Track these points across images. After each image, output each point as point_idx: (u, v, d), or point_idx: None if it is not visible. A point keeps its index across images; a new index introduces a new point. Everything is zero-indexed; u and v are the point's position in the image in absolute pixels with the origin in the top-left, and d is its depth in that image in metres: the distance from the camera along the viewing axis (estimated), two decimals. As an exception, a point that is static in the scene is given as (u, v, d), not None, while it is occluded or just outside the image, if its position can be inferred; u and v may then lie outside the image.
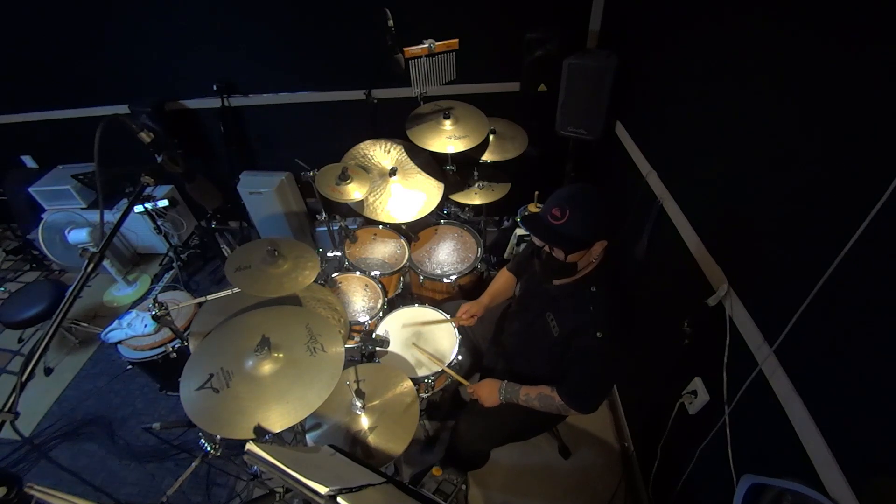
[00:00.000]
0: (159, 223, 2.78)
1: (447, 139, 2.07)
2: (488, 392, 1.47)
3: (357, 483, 0.91)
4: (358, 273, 2.08)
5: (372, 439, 1.35)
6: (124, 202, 2.96)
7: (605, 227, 1.18)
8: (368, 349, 1.62)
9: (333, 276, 2.08)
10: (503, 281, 1.71)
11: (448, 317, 1.80)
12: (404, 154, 2.27)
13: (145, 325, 1.97)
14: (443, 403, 2.10)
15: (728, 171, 1.20)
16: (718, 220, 1.25)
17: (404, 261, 2.14)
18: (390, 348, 1.72)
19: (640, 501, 1.80)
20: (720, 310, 1.17)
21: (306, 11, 2.32)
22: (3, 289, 2.90)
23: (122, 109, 2.69)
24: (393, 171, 2.15)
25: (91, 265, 0.98)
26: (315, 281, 1.65)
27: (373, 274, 2.06)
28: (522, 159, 2.23)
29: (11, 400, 0.84)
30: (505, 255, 2.52)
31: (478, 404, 1.52)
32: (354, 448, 1.33)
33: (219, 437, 1.42)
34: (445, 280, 2.09)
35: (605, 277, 1.28)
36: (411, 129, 2.12)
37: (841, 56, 0.83)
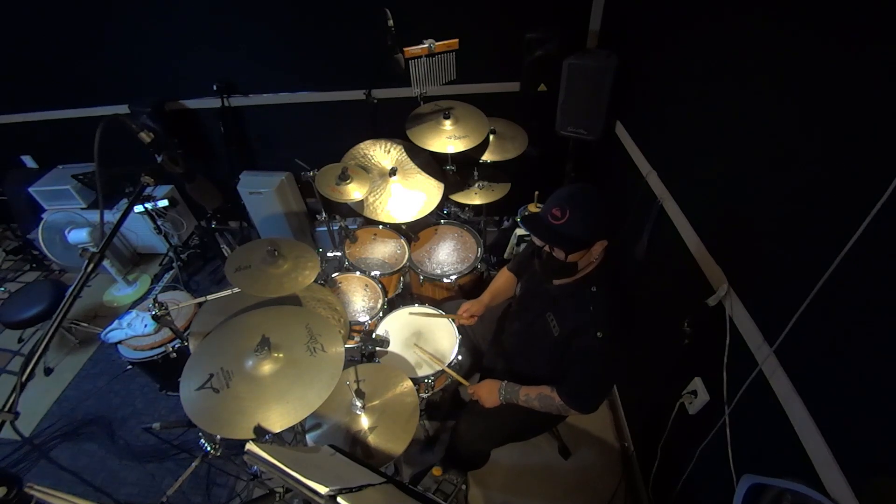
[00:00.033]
0: (159, 223, 2.78)
1: (447, 139, 2.07)
2: (488, 392, 1.47)
3: (357, 483, 0.91)
4: (358, 273, 2.08)
5: (372, 439, 1.35)
6: (124, 202, 2.96)
7: (605, 227, 1.18)
8: (368, 349, 1.62)
9: (333, 276, 2.08)
10: (503, 280, 1.71)
11: (453, 326, 1.79)
12: (404, 154, 2.27)
13: (145, 325, 1.97)
14: (443, 403, 2.10)
15: (728, 171, 1.20)
16: (718, 220, 1.25)
17: (404, 261, 2.14)
18: (390, 348, 1.72)
19: (640, 501, 1.80)
20: (720, 310, 1.17)
21: (306, 11, 2.32)
22: (3, 289, 2.89)
23: (122, 109, 2.69)
24: (393, 171, 2.15)
25: (91, 265, 0.98)
26: (315, 281, 1.65)
27: (373, 274, 2.06)
28: (522, 159, 2.23)
29: (11, 400, 0.84)
30: (505, 255, 2.52)
31: (478, 404, 1.51)
32: (354, 448, 1.33)
33: (219, 437, 1.42)
34: (445, 280, 2.09)
35: (606, 277, 1.28)
36: (411, 129, 2.12)
37: (841, 56, 0.83)
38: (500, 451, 1.77)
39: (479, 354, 1.82)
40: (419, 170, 2.23)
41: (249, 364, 1.20)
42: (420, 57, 2.08)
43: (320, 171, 1.97)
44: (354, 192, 1.95)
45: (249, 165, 2.98)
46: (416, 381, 1.60)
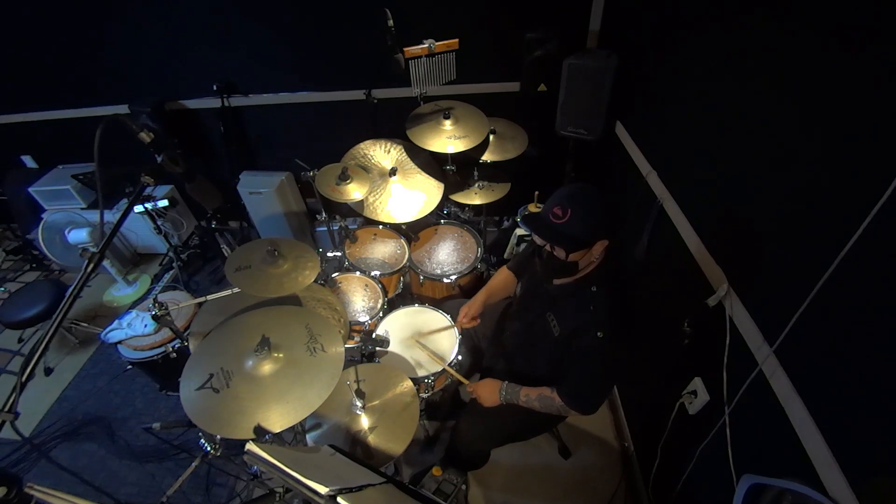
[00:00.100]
0: (159, 223, 2.78)
1: (447, 139, 2.07)
2: (489, 392, 1.47)
3: (357, 483, 0.91)
4: (358, 273, 2.08)
5: (372, 439, 1.35)
6: (124, 202, 2.96)
7: (605, 227, 1.18)
8: (368, 349, 1.62)
9: (333, 276, 2.08)
10: (502, 279, 1.71)
11: (450, 320, 1.80)
12: (404, 154, 2.27)
13: (145, 325, 1.97)
14: (443, 403, 2.10)
15: (728, 171, 1.20)
16: (718, 220, 1.25)
17: (404, 261, 2.14)
18: (390, 348, 1.72)
19: (640, 501, 1.80)
20: (720, 310, 1.17)
21: (306, 11, 2.32)
22: (3, 289, 2.89)
23: (122, 109, 2.69)
24: (393, 171, 2.15)
25: (91, 265, 0.98)
26: (315, 281, 1.65)
27: (373, 274, 2.06)
28: (522, 159, 2.23)
29: (11, 400, 0.84)
30: (505, 255, 2.52)
31: (478, 404, 1.51)
32: (354, 448, 1.33)
33: (219, 437, 1.42)
34: (445, 280, 2.09)
35: (606, 277, 1.28)
36: (411, 129, 2.12)
37: (841, 56, 0.83)
38: (500, 451, 1.77)
39: (479, 354, 1.82)
40: (419, 170, 2.23)
41: (249, 364, 1.20)
42: (420, 57, 2.08)
43: (320, 171, 1.97)
44: (354, 192, 1.95)
45: (249, 165, 2.98)
46: (416, 381, 1.60)
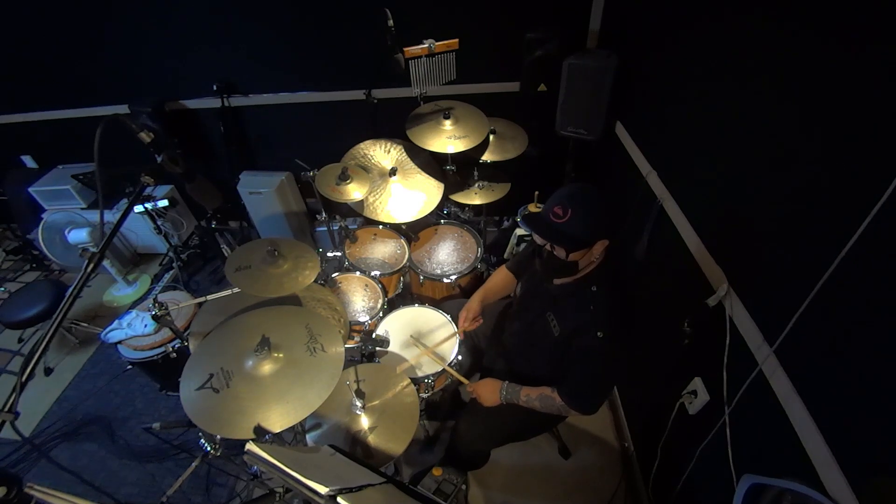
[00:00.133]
0: (159, 223, 2.78)
1: (447, 139, 2.07)
2: (489, 392, 1.47)
3: (357, 483, 0.91)
4: (358, 273, 2.08)
5: (372, 439, 1.35)
6: (124, 202, 2.96)
7: (605, 227, 1.18)
8: (368, 349, 1.62)
9: (333, 276, 2.08)
10: (500, 278, 1.71)
11: (453, 325, 1.78)
12: (404, 154, 2.27)
13: (145, 325, 1.97)
14: (443, 403, 2.10)
15: (728, 171, 1.20)
16: (718, 220, 1.25)
17: (404, 261, 2.14)
18: (390, 348, 1.72)
19: (640, 501, 1.80)
20: (720, 310, 1.17)
21: (306, 11, 2.32)
22: (3, 289, 2.89)
23: (122, 109, 2.69)
24: (393, 171, 2.15)
25: (91, 265, 0.98)
26: (315, 281, 1.65)
27: (373, 274, 2.06)
28: (522, 159, 2.23)
29: (11, 400, 0.84)
30: (505, 255, 2.52)
31: (478, 404, 1.51)
32: (354, 448, 1.34)
33: (219, 437, 1.42)
34: (445, 280, 2.09)
35: (606, 277, 1.28)
36: (411, 129, 2.12)
37: (841, 56, 0.83)
38: (500, 451, 1.77)
39: (479, 354, 1.82)
40: (419, 170, 2.23)
41: (249, 364, 1.20)
42: (420, 57, 2.08)
43: (320, 171, 1.97)
44: (354, 192, 1.94)
45: (249, 165, 2.98)
46: (416, 381, 1.60)
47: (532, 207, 2.28)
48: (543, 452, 2.01)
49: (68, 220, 2.66)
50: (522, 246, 2.37)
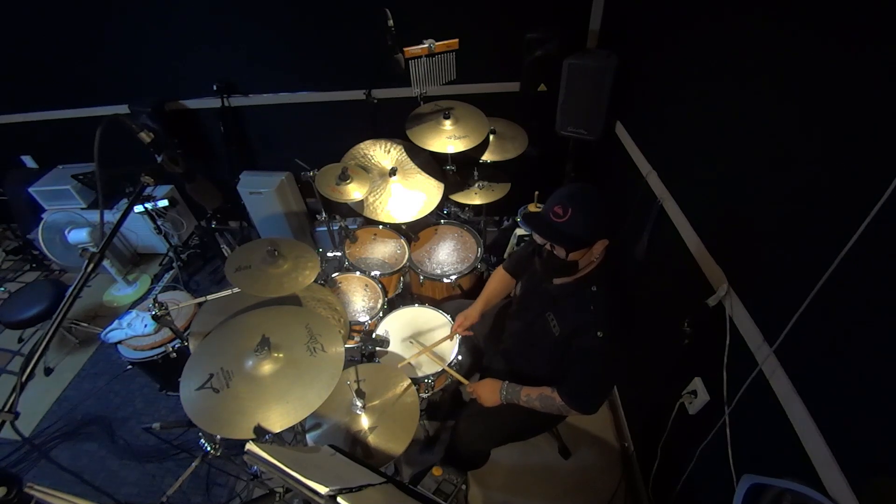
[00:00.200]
0: (159, 223, 2.79)
1: (447, 139, 2.07)
2: (489, 392, 1.47)
3: (357, 483, 0.91)
4: (358, 273, 2.08)
5: (372, 439, 1.35)
6: (124, 202, 2.96)
7: (605, 226, 1.18)
8: (368, 349, 1.62)
9: (333, 276, 2.08)
10: (497, 282, 1.71)
11: (450, 320, 1.79)
12: (404, 154, 2.27)
13: (145, 325, 1.98)
14: (443, 403, 2.10)
15: (728, 171, 1.20)
16: (718, 220, 1.25)
17: (404, 261, 2.15)
18: (390, 348, 1.72)
19: (640, 501, 1.80)
20: (720, 310, 1.17)
21: (306, 11, 2.32)
22: (3, 289, 2.89)
23: (122, 109, 2.69)
24: (393, 171, 2.15)
25: (91, 265, 0.98)
26: (315, 281, 1.65)
27: (373, 274, 2.06)
28: (522, 159, 2.23)
29: (11, 400, 0.84)
30: (505, 255, 2.52)
31: (478, 404, 1.51)
32: (354, 448, 1.34)
33: (219, 437, 1.42)
34: (445, 280, 2.09)
35: (606, 277, 1.28)
36: (411, 129, 2.12)
37: (841, 56, 0.83)
38: (500, 451, 1.77)
39: (479, 354, 1.82)
40: (419, 170, 2.23)
41: (249, 364, 1.20)
42: (420, 57, 2.08)
43: (320, 171, 1.97)
44: (354, 192, 1.95)
45: (249, 165, 2.98)
46: (416, 381, 1.60)
47: (532, 207, 2.28)
48: (543, 452, 2.01)
49: (68, 220, 2.66)
50: (523, 245, 2.37)
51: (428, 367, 1.68)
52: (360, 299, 2.02)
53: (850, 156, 0.81)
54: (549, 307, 1.37)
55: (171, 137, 2.70)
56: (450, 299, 2.15)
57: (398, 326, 1.84)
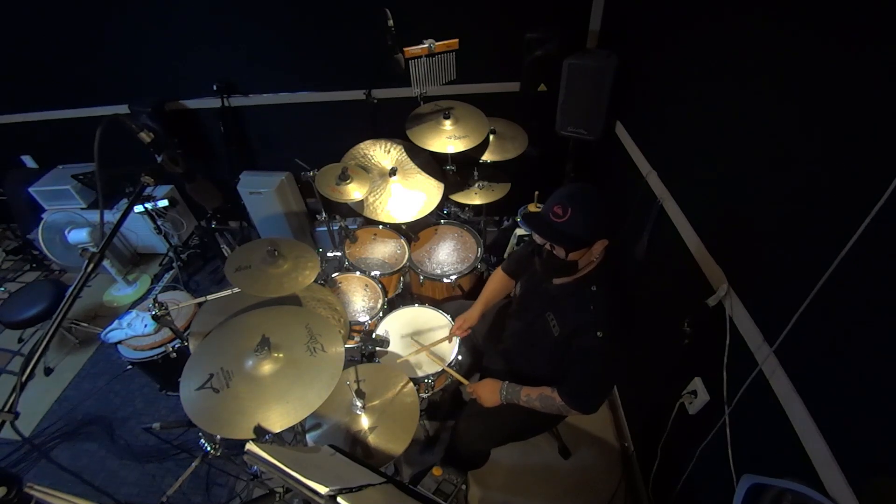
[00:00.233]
0: (159, 223, 2.78)
1: (447, 139, 2.07)
2: (489, 392, 1.47)
3: (357, 483, 0.91)
4: (358, 273, 2.08)
5: (372, 439, 1.35)
6: (124, 202, 2.96)
7: (605, 226, 1.18)
8: (368, 349, 1.62)
9: (333, 276, 2.08)
10: (496, 283, 1.71)
11: (450, 321, 1.79)
12: (404, 154, 2.27)
13: (145, 325, 1.98)
14: (443, 403, 2.10)
15: (728, 171, 1.20)
16: (718, 220, 1.25)
17: (404, 261, 2.15)
18: (390, 348, 1.72)
19: (640, 501, 1.80)
20: (720, 310, 1.17)
21: (306, 11, 2.32)
22: (3, 289, 2.89)
23: (122, 109, 2.69)
24: (393, 171, 2.15)
25: (91, 265, 0.98)
26: (315, 281, 1.65)
27: (373, 274, 2.06)
28: (522, 159, 2.23)
29: (11, 400, 0.84)
30: (505, 255, 2.52)
31: (478, 404, 1.51)
32: (354, 448, 1.34)
33: (219, 437, 1.42)
34: (445, 280, 2.09)
35: (606, 277, 1.28)
36: (411, 129, 2.12)
37: (841, 56, 0.83)
38: (500, 451, 1.77)
39: (479, 354, 1.82)
40: (419, 170, 2.23)
41: (249, 364, 1.20)
42: (420, 57, 2.08)
43: (320, 171, 1.97)
44: (354, 192, 1.95)
45: (249, 165, 2.98)
46: (416, 381, 1.60)
47: (532, 207, 2.28)
48: (543, 452, 2.01)
49: (68, 220, 2.66)
50: (522, 245, 2.37)
51: (428, 367, 1.68)
52: (360, 299, 2.02)
53: (850, 156, 0.81)
54: (549, 307, 1.37)
55: (171, 137, 2.70)
56: (450, 300, 2.15)
57: (398, 326, 1.84)
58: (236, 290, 1.55)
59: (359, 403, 1.36)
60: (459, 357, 1.71)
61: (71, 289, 0.95)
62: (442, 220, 2.37)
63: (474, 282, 2.21)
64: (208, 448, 1.44)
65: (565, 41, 2.06)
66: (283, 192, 2.91)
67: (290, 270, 1.55)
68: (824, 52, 0.87)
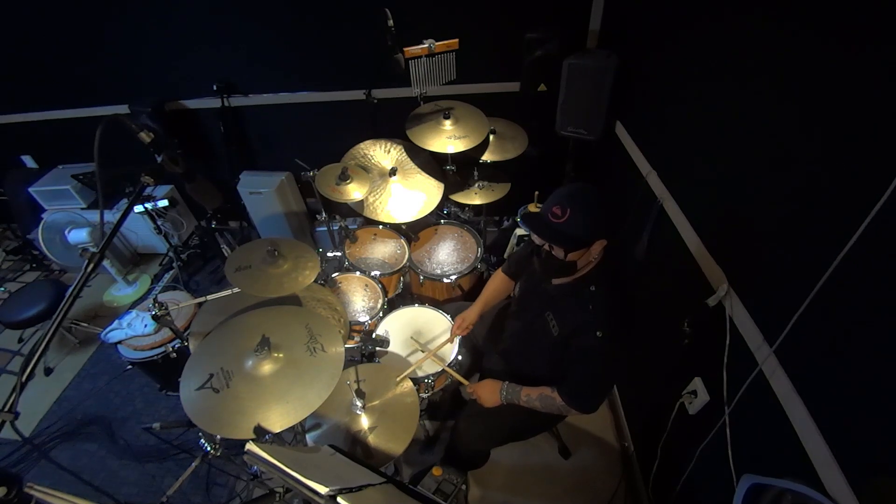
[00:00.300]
0: (159, 223, 2.78)
1: (447, 139, 2.07)
2: (489, 392, 1.47)
3: (357, 483, 0.91)
4: (358, 273, 2.08)
5: (372, 439, 1.35)
6: (124, 202, 2.96)
7: (604, 227, 1.18)
8: (368, 349, 1.62)
9: (333, 276, 2.08)
10: (496, 284, 1.71)
11: (450, 321, 1.79)
12: (404, 154, 2.27)
13: (145, 325, 1.98)
14: (443, 403, 2.10)
15: (728, 171, 1.20)
16: (718, 220, 1.25)
17: (404, 261, 2.15)
18: (390, 348, 1.72)
19: (640, 501, 1.80)
20: (720, 310, 1.17)
21: (306, 11, 2.32)
22: (3, 289, 2.89)
23: (122, 109, 2.69)
24: (393, 171, 2.15)
25: (91, 265, 0.98)
26: (315, 281, 1.65)
27: (373, 274, 2.06)
28: (522, 159, 2.23)
29: (11, 400, 0.84)
30: (505, 255, 2.52)
31: (478, 404, 1.51)
32: (354, 448, 1.34)
33: (219, 437, 1.42)
34: (445, 280, 2.09)
35: (605, 277, 1.27)
36: (411, 129, 2.12)
37: (841, 56, 0.83)
38: (500, 451, 1.77)
39: (479, 354, 1.82)
40: (419, 170, 2.23)
41: (249, 364, 1.20)
42: (420, 57, 2.08)
43: (320, 171, 1.97)
44: (354, 192, 1.95)
45: (249, 165, 2.98)
46: (416, 381, 1.60)
47: (532, 207, 2.28)
48: (543, 452, 2.01)
49: (68, 220, 2.66)
50: (522, 246, 2.37)
51: (428, 367, 1.68)
52: (360, 299, 2.02)
53: (850, 156, 0.81)
54: (548, 307, 1.37)
55: (171, 137, 2.70)
56: (450, 301, 2.15)
57: (398, 326, 1.84)
58: (236, 290, 1.55)
59: (359, 403, 1.36)
60: (459, 357, 1.71)
61: (71, 289, 0.95)
62: (442, 220, 2.37)
63: (474, 282, 2.21)
64: (208, 448, 1.44)
65: (565, 41, 2.06)
66: (283, 192, 2.91)
67: (290, 270, 1.55)
68: (824, 52, 0.87)
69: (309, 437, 1.39)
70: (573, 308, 1.29)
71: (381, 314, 1.93)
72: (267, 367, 1.19)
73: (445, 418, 2.09)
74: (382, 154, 2.26)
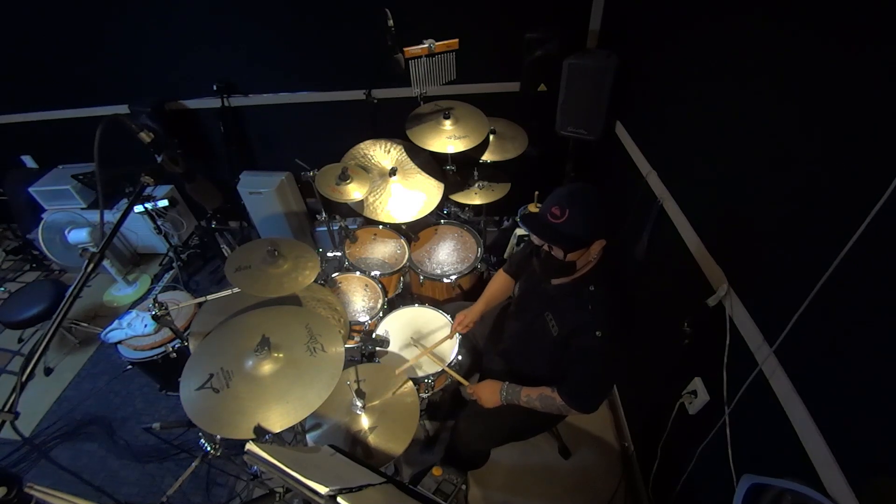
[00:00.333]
0: (159, 223, 2.78)
1: (447, 139, 2.07)
2: (489, 393, 1.47)
3: (357, 483, 0.91)
4: (358, 273, 2.08)
5: (372, 439, 1.35)
6: (124, 202, 2.96)
7: (604, 227, 1.18)
8: (368, 349, 1.62)
9: (333, 276, 2.08)
10: (498, 284, 1.71)
11: (450, 321, 1.79)
12: (404, 154, 2.27)
13: (145, 325, 1.98)
14: (443, 403, 2.10)
15: (728, 171, 1.20)
16: (718, 220, 1.25)
17: (404, 261, 2.15)
18: (390, 348, 1.72)
19: (640, 501, 1.80)
20: (720, 310, 1.17)
21: (306, 11, 2.33)
22: (3, 289, 2.89)
23: (122, 109, 2.69)
24: (393, 171, 2.15)
25: (91, 265, 0.98)
26: (315, 281, 1.65)
27: (373, 274, 2.06)
28: (522, 159, 2.23)
29: (11, 400, 0.84)
30: (505, 255, 2.52)
31: (477, 404, 1.51)
32: (354, 448, 1.34)
33: (219, 437, 1.42)
34: (445, 280, 2.09)
35: (604, 277, 1.28)
36: (411, 129, 2.12)
37: (841, 56, 0.83)
38: (500, 451, 1.77)
39: (479, 354, 1.82)
40: (419, 170, 2.23)
41: (249, 364, 1.20)
42: (420, 57, 2.08)
43: (320, 171, 1.97)
44: (354, 192, 1.95)
45: (249, 165, 2.98)
46: (416, 381, 1.60)
47: (532, 207, 2.28)
48: (543, 452, 2.01)
49: (68, 220, 2.66)
50: (522, 246, 2.37)
51: (428, 367, 1.68)
52: (360, 299, 2.02)
53: (850, 156, 0.81)
54: (548, 307, 1.37)
55: (171, 137, 2.70)
56: (450, 301, 2.15)
57: (398, 326, 1.84)
58: (236, 290, 1.55)
59: (359, 403, 1.36)
60: (459, 357, 1.71)
61: (71, 289, 0.95)
62: (442, 220, 2.37)
63: (474, 282, 2.21)
64: (208, 448, 1.44)
65: (565, 41, 2.06)
66: (283, 192, 2.91)
67: (290, 270, 1.55)
68: (824, 52, 0.87)
69: (309, 437, 1.39)
70: (573, 308, 1.29)
71: (381, 314, 1.93)
72: (267, 367, 1.19)
73: (445, 418, 2.09)
74: (382, 154, 2.26)
